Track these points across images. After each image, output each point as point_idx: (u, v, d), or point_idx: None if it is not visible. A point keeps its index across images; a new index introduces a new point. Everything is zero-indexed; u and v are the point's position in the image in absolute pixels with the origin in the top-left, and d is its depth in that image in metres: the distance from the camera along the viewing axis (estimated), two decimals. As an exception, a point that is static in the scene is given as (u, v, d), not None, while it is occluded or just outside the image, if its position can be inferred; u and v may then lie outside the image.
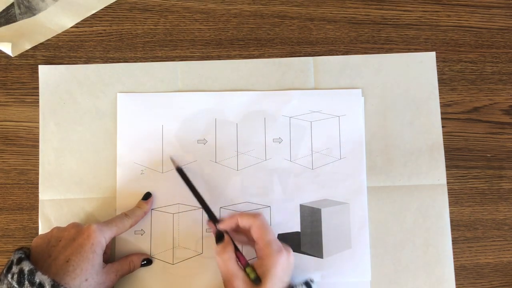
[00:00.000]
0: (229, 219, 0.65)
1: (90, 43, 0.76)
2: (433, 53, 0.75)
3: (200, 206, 0.68)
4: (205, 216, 0.69)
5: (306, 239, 0.71)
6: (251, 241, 0.66)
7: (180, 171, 0.70)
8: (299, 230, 0.71)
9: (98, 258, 0.61)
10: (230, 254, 0.63)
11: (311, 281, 0.66)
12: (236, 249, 0.64)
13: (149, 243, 0.71)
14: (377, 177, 0.72)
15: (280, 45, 0.76)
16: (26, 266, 0.56)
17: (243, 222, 0.64)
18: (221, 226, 0.65)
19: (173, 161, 0.71)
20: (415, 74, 0.74)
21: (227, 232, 0.65)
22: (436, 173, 0.73)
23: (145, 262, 0.69)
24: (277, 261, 0.61)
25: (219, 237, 0.65)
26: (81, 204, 0.72)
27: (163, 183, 0.72)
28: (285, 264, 0.62)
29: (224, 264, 0.62)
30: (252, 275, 0.61)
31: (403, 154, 0.73)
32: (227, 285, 0.62)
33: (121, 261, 0.67)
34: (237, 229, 0.66)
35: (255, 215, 0.64)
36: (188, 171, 0.70)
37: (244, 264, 0.63)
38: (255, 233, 0.63)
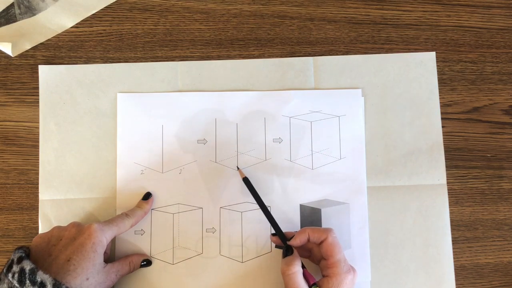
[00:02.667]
0: (300, 234, 0.64)
1: (90, 43, 0.76)
2: (433, 53, 0.75)
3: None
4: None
5: (306, 239, 0.71)
6: (314, 256, 0.66)
7: (247, 181, 0.70)
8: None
9: (99, 257, 0.61)
10: (298, 268, 0.62)
11: None
12: (303, 267, 0.64)
13: (149, 243, 0.71)
14: (377, 177, 0.72)
15: (280, 45, 0.76)
16: (27, 265, 0.56)
17: (314, 238, 0.63)
18: (294, 243, 0.64)
19: (240, 171, 0.71)
20: (415, 74, 0.74)
21: (292, 247, 0.65)
22: (436, 173, 0.73)
23: (144, 263, 0.69)
24: (344, 281, 0.61)
25: (288, 250, 0.64)
26: (81, 204, 0.72)
27: (163, 183, 0.72)
28: (350, 285, 0.61)
29: (290, 277, 0.61)
30: None
31: (403, 154, 0.73)
32: None
33: (121, 261, 0.67)
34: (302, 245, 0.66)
35: (326, 231, 0.63)
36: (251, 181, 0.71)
37: (312, 283, 0.62)
38: (325, 250, 0.62)
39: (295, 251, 0.64)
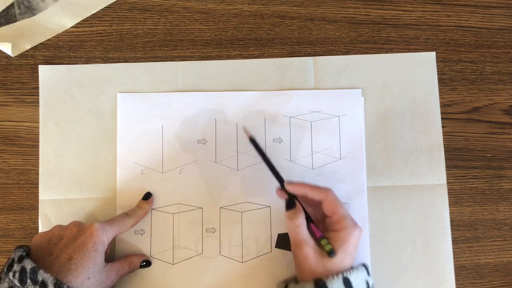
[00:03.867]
0: (298, 185, 0.65)
1: (90, 43, 0.76)
2: (433, 53, 0.75)
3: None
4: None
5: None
6: (318, 214, 0.67)
7: (253, 141, 0.69)
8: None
9: (100, 257, 0.61)
10: (301, 221, 0.63)
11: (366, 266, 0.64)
12: (310, 220, 0.64)
13: (149, 243, 0.71)
14: (377, 177, 0.72)
15: (280, 45, 0.76)
16: (28, 264, 0.56)
17: (313, 195, 0.64)
18: (290, 188, 0.65)
19: (246, 131, 0.71)
20: (415, 74, 0.74)
21: (297, 200, 0.65)
22: (436, 173, 0.73)
23: (144, 263, 0.69)
24: (351, 235, 0.61)
25: (290, 203, 0.64)
26: (81, 204, 0.72)
27: (163, 183, 0.72)
28: (357, 239, 0.62)
29: (294, 230, 0.62)
30: (328, 248, 0.60)
31: (403, 154, 0.73)
32: (296, 252, 0.62)
33: (122, 261, 0.67)
34: (305, 200, 0.66)
35: (326, 190, 0.64)
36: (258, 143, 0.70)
37: (319, 236, 0.62)
38: (327, 208, 0.63)
39: (297, 204, 0.64)
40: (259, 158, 0.71)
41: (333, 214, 0.62)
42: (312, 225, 0.63)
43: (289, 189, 0.65)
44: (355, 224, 0.62)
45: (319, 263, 0.60)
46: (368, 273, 0.62)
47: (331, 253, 0.60)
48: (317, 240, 0.62)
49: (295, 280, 0.63)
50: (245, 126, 0.72)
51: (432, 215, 0.72)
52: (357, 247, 0.63)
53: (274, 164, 0.67)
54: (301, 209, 0.64)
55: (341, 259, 0.60)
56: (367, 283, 0.61)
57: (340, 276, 0.59)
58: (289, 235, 0.63)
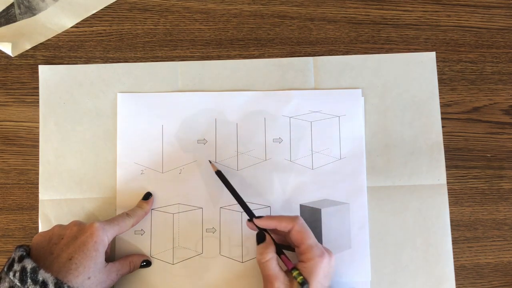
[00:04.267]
0: (266, 218, 0.64)
1: (90, 43, 0.76)
2: (433, 53, 0.75)
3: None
4: (213, 216, 0.71)
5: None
6: (289, 243, 0.66)
7: (219, 174, 0.70)
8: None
9: (100, 256, 0.61)
10: (271, 255, 0.62)
11: None
12: (281, 252, 0.64)
13: (149, 243, 0.71)
14: (377, 177, 0.72)
15: (280, 45, 0.76)
16: (29, 264, 0.56)
17: (282, 226, 0.63)
18: (259, 222, 0.64)
19: (212, 164, 0.71)
20: (415, 74, 0.74)
21: (268, 233, 0.65)
22: (436, 173, 0.73)
23: (144, 263, 0.69)
24: (319, 265, 0.60)
25: (260, 237, 0.64)
26: (81, 204, 0.72)
27: (163, 183, 0.72)
28: (326, 268, 0.61)
29: (264, 265, 0.62)
30: (300, 279, 0.60)
31: (403, 154, 0.73)
32: (266, 285, 0.61)
33: (122, 261, 0.67)
34: (275, 231, 0.66)
35: (293, 219, 0.63)
36: (225, 173, 0.71)
37: (291, 268, 0.61)
38: (295, 237, 0.62)
39: (267, 238, 0.64)
40: (259, 159, 0.71)
41: (300, 244, 0.62)
42: (283, 257, 0.63)
43: (258, 224, 0.65)
44: (322, 254, 0.61)
45: None
46: None
47: (303, 284, 0.59)
48: (289, 272, 0.62)
49: None
50: (210, 160, 0.73)
51: (432, 215, 0.72)
52: (329, 275, 0.62)
53: (243, 198, 0.67)
54: (271, 242, 0.64)
55: None
56: None
57: None
58: (260, 269, 0.62)
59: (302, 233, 0.62)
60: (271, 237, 0.64)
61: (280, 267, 0.62)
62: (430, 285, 0.70)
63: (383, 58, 0.75)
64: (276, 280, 0.60)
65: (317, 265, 0.60)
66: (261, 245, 0.63)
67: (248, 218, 0.66)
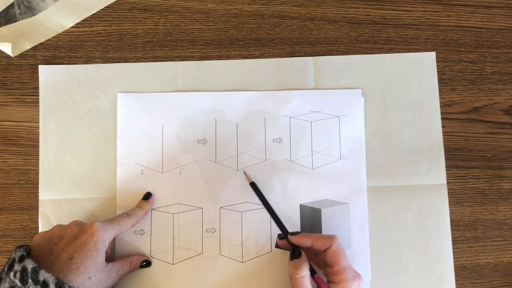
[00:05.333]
0: (302, 236, 0.64)
1: (90, 43, 0.76)
2: (433, 53, 0.75)
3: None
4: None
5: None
6: (319, 261, 0.66)
7: (253, 185, 0.70)
8: (299, 230, 0.71)
9: (101, 256, 0.61)
10: (307, 272, 0.61)
11: None
12: (314, 272, 0.64)
13: (149, 243, 0.71)
14: (377, 177, 0.72)
15: (280, 45, 0.76)
16: (29, 264, 0.56)
17: (318, 245, 0.63)
18: (294, 239, 0.64)
19: (247, 176, 0.71)
20: (415, 74, 0.74)
21: (299, 249, 0.64)
22: (436, 173, 0.73)
23: (144, 263, 0.69)
24: (351, 285, 0.60)
25: (296, 252, 0.63)
26: (81, 204, 0.72)
27: (163, 183, 0.72)
28: None
29: (298, 281, 0.61)
30: None
31: (403, 154, 0.73)
32: None
33: (122, 261, 0.67)
34: (306, 249, 0.65)
35: (331, 238, 0.62)
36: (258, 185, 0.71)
37: None
38: (330, 257, 0.62)
39: (303, 254, 0.63)
40: (259, 159, 0.71)
41: (334, 265, 0.61)
42: (317, 277, 0.63)
43: (293, 241, 0.65)
44: (354, 277, 0.61)
45: None
46: None
47: None
48: None
49: None
50: (245, 171, 0.72)
51: (432, 215, 0.72)
52: None
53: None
54: (307, 260, 0.63)
55: None
56: None
57: None
58: (291, 284, 0.62)
59: (338, 253, 0.61)
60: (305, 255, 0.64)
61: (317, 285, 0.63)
62: (430, 285, 0.70)
63: (383, 58, 0.75)
64: None
65: (352, 285, 0.60)
66: (296, 260, 0.62)
67: (279, 234, 0.67)
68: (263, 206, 0.71)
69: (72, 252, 0.59)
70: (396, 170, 0.72)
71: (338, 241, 0.62)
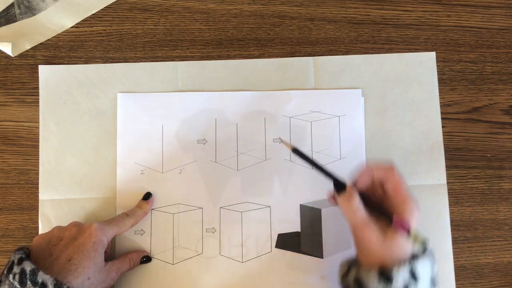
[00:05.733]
0: (363, 176, 0.61)
1: (90, 43, 0.76)
2: (433, 53, 0.75)
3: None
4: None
5: (306, 239, 0.71)
6: (376, 195, 0.62)
7: (296, 151, 0.64)
8: (299, 230, 0.71)
9: (100, 256, 0.61)
10: (359, 203, 0.59)
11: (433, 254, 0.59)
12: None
13: (149, 243, 0.71)
14: (377, 176, 0.72)
15: (280, 45, 0.76)
16: (28, 266, 0.56)
17: (379, 175, 0.60)
18: (360, 184, 0.61)
19: (285, 143, 0.68)
20: (415, 74, 0.74)
21: (342, 182, 0.61)
22: (436, 173, 0.73)
23: (144, 259, 0.69)
24: (415, 214, 0.58)
25: (340, 186, 0.61)
26: (81, 204, 0.72)
27: (163, 183, 0.72)
28: (419, 217, 0.58)
29: (354, 213, 0.58)
30: (420, 239, 0.56)
31: (403, 154, 0.73)
32: (358, 235, 0.58)
33: (121, 259, 0.67)
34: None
35: (390, 168, 0.60)
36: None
37: (407, 230, 0.56)
38: (392, 186, 0.59)
39: (348, 187, 0.60)
40: (259, 159, 0.71)
41: (397, 194, 0.59)
42: (395, 218, 0.57)
43: (360, 186, 0.62)
44: (417, 203, 0.59)
45: (384, 247, 0.57)
46: (434, 259, 0.58)
47: (425, 243, 0.56)
48: (378, 220, 0.58)
49: (357, 263, 0.60)
50: (282, 138, 0.72)
51: (432, 215, 0.72)
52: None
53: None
54: (355, 190, 0.60)
55: (406, 241, 0.57)
56: (432, 272, 0.57)
57: (407, 265, 0.55)
58: (347, 219, 0.59)
59: (401, 181, 0.60)
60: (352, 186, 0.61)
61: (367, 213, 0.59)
62: (430, 285, 0.70)
63: (383, 58, 0.75)
64: (369, 227, 0.57)
65: (414, 215, 0.58)
66: (345, 193, 0.60)
67: (335, 185, 0.62)
68: (263, 206, 0.71)
69: (70, 253, 0.59)
70: (396, 170, 0.73)
71: (397, 170, 0.60)
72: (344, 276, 0.61)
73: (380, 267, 0.56)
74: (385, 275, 0.55)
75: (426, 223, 0.71)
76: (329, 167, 0.65)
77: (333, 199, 0.63)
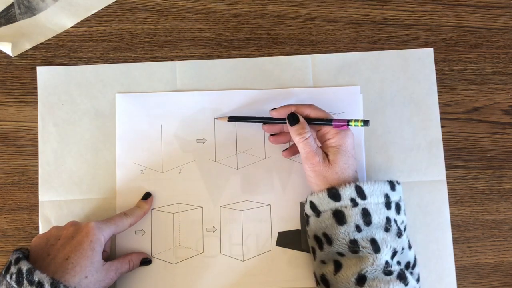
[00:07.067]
0: (283, 107, 0.68)
1: (90, 43, 0.76)
2: (431, 49, 0.75)
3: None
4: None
5: (306, 237, 0.71)
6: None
7: (232, 118, 0.73)
8: (299, 228, 0.71)
9: (97, 255, 0.61)
10: (310, 133, 0.65)
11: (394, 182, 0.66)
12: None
13: (149, 243, 0.71)
14: (377, 174, 0.72)
15: (280, 45, 0.76)
16: (24, 266, 0.56)
17: (300, 111, 0.67)
18: (274, 113, 0.69)
19: (221, 119, 0.73)
20: (413, 70, 0.74)
21: (296, 115, 0.67)
22: (435, 169, 0.73)
23: (144, 261, 0.69)
24: (347, 136, 0.65)
25: (294, 118, 0.66)
26: (81, 205, 0.72)
27: (163, 183, 0.72)
28: (352, 139, 0.66)
29: (305, 143, 0.65)
30: (361, 121, 0.64)
31: (402, 150, 0.73)
32: (308, 164, 0.65)
33: (121, 259, 0.67)
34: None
35: (308, 105, 0.67)
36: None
37: (347, 121, 0.65)
38: (315, 115, 0.66)
39: (301, 118, 0.66)
40: (259, 157, 0.71)
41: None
42: (334, 123, 0.65)
43: (275, 115, 0.69)
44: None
45: (331, 171, 0.64)
46: (393, 189, 0.64)
47: (366, 122, 0.64)
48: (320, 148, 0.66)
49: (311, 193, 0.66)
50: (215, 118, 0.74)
51: (432, 211, 0.72)
52: (354, 147, 0.66)
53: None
54: (305, 122, 0.66)
55: (346, 161, 0.64)
56: (387, 196, 0.63)
57: (353, 184, 0.63)
58: (299, 149, 0.65)
59: (323, 112, 0.67)
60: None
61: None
62: (430, 281, 0.70)
63: (380, 55, 0.75)
64: (318, 155, 0.64)
65: (344, 137, 0.65)
66: (297, 125, 0.65)
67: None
68: (263, 205, 0.71)
69: (68, 252, 0.59)
70: (396, 167, 0.72)
71: (315, 106, 0.68)
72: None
73: (329, 188, 0.63)
74: (333, 192, 0.63)
75: (426, 219, 0.71)
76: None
77: (286, 152, 0.72)
